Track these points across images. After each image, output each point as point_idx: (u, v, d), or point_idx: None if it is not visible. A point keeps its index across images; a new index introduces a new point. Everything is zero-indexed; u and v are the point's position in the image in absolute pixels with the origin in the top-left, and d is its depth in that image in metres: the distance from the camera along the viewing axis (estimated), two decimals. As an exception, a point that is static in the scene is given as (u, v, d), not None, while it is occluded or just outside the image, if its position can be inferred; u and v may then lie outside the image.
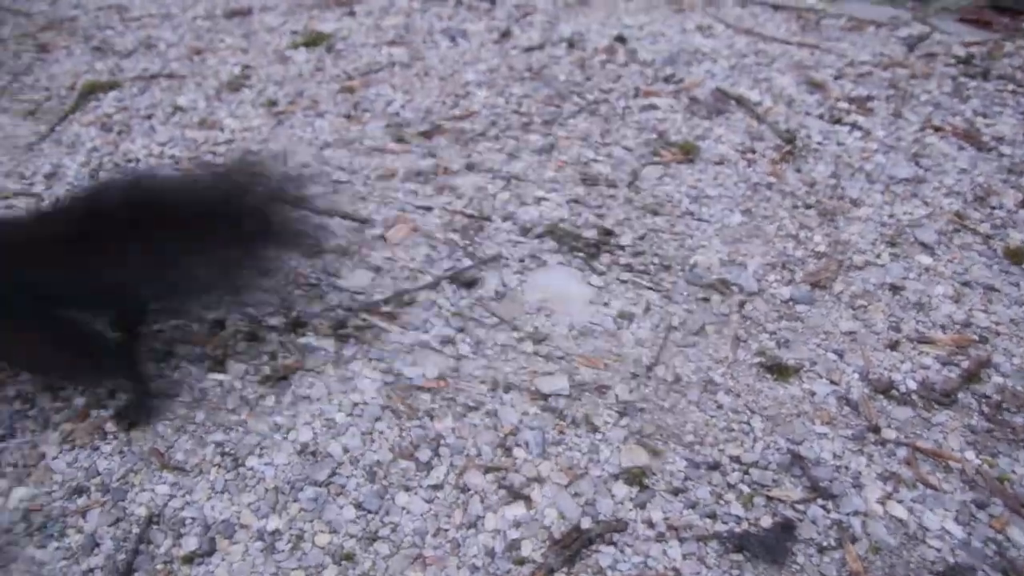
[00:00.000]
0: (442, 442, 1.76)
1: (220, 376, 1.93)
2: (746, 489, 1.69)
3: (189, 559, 1.58)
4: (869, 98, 2.91)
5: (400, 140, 2.71)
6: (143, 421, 1.83)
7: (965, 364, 1.94)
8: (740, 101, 2.87)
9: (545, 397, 1.85)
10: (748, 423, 1.82)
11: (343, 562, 1.56)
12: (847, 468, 1.73)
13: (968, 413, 1.84)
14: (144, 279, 1.80)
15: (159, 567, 1.57)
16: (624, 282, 2.15)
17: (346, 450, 1.74)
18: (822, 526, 1.62)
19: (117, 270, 1.75)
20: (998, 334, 2.02)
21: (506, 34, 3.36)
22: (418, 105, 2.89)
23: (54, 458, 1.77)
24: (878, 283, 2.16)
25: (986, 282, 2.16)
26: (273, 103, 2.96)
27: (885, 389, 1.90)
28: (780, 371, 1.93)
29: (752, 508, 1.65)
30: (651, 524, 1.62)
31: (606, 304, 2.09)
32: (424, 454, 1.73)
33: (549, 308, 2.08)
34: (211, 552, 1.59)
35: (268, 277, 1.96)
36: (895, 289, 2.15)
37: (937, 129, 2.73)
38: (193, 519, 1.64)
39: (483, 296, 2.11)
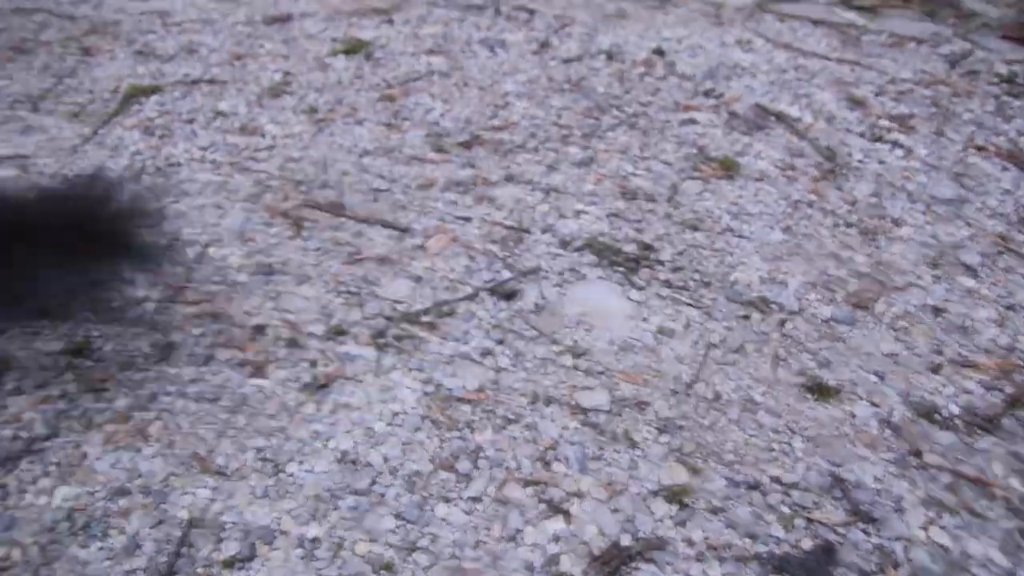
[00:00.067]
0: (481, 454, 1.76)
1: (260, 381, 1.94)
2: (787, 510, 1.68)
3: (229, 563, 1.59)
4: (910, 116, 2.89)
5: (439, 150, 2.72)
6: None
7: (1009, 389, 1.92)
8: (780, 117, 2.86)
9: (585, 411, 1.85)
10: (789, 443, 1.81)
11: (382, 572, 1.56)
12: (889, 492, 1.71)
13: (1013, 439, 1.82)
14: None
15: (200, 571, 1.58)
16: (663, 298, 2.15)
17: (386, 459, 1.75)
18: (864, 550, 1.61)
19: None
20: (1043, 359, 2.00)
21: (545, 45, 3.37)
22: (457, 115, 2.91)
23: (97, 459, 1.79)
24: (920, 305, 2.15)
25: (1031, 306, 2.15)
26: (313, 110, 2.98)
27: (927, 413, 1.88)
28: (821, 392, 1.92)
29: (792, 530, 1.64)
30: (691, 543, 1.62)
31: (645, 319, 2.09)
32: (464, 465, 1.74)
33: (588, 322, 2.08)
34: (251, 557, 1.60)
35: (116, 295, 1.95)
36: (937, 311, 2.13)
37: (980, 149, 2.71)
38: (233, 524, 1.65)
39: (522, 308, 2.12)
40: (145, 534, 1.64)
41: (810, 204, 2.48)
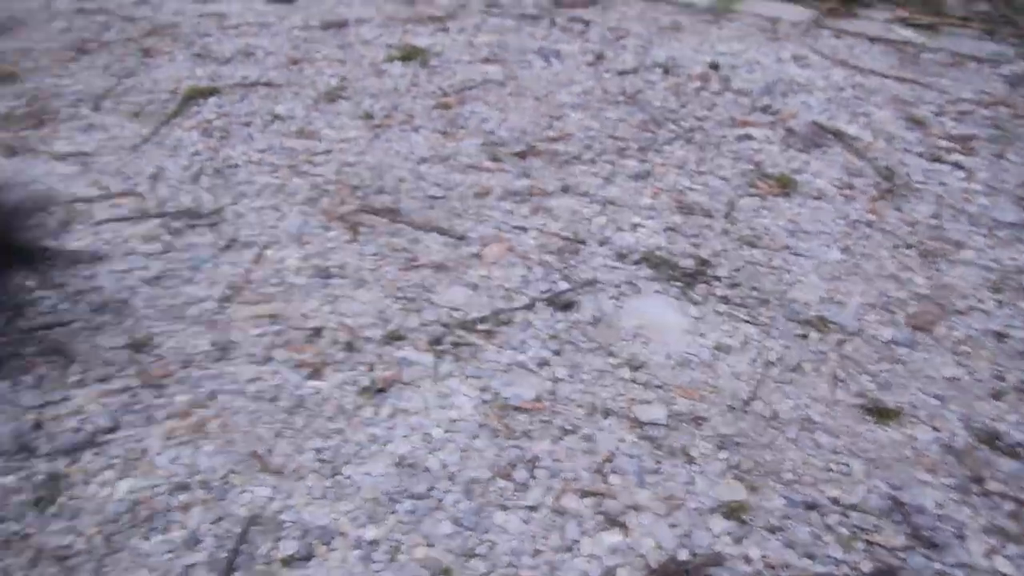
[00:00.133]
0: (538, 463, 1.76)
1: (318, 383, 1.96)
2: (845, 532, 1.66)
3: (288, 562, 1.60)
4: (971, 137, 2.86)
5: (495, 159, 2.73)
6: None
7: (1074, 418, 1.89)
8: (838, 135, 2.84)
9: (642, 425, 1.85)
10: (848, 465, 1.79)
11: (439, 577, 1.57)
12: (950, 518, 1.69)
13: (1078, 469, 1.79)
14: None
15: (259, 568, 1.59)
16: (720, 314, 2.14)
17: (444, 465, 1.76)
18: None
19: None
20: (1108, 389, 1.97)
21: (600, 56, 3.38)
22: (513, 124, 2.92)
23: (157, 453, 1.82)
24: (982, 329, 2.12)
25: (1095, 334, 2.11)
26: (369, 116, 3.01)
27: (989, 439, 1.85)
28: (880, 414, 1.90)
29: (852, 551, 1.63)
30: (748, 560, 1.61)
31: (702, 335, 2.08)
32: (521, 474, 1.74)
33: (645, 336, 2.08)
34: (309, 557, 1.61)
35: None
36: (1000, 337, 2.10)
37: (1042, 173, 2.68)
38: (292, 523, 1.67)
39: (579, 320, 2.12)
40: (205, 529, 1.66)
41: (869, 224, 2.46)
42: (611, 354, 2.03)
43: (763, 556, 1.61)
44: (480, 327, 2.09)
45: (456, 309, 2.15)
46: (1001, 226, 2.45)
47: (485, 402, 1.89)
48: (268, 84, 3.27)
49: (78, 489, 1.76)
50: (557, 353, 2.02)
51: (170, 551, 1.63)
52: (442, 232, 2.40)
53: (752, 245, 2.36)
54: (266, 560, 1.61)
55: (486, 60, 3.38)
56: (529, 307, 2.15)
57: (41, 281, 2.27)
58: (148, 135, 2.97)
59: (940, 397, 1.94)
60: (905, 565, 1.60)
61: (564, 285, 2.22)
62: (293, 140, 2.90)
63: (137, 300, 2.23)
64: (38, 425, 1.90)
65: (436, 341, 2.05)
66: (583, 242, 2.36)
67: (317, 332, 2.10)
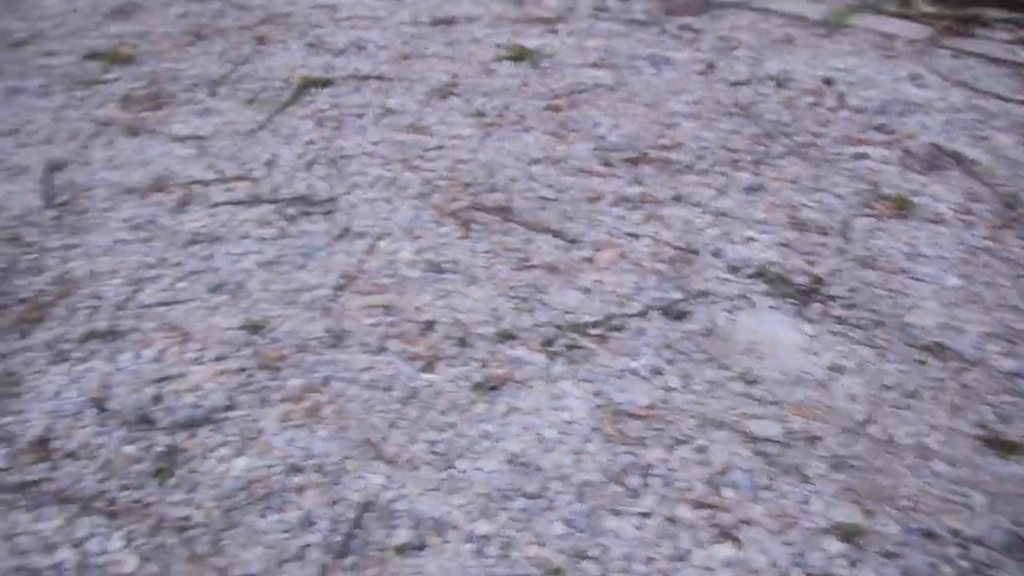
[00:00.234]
0: (652, 471, 1.76)
1: (431, 376, 1.99)
2: (965, 564, 1.62)
3: (401, 551, 1.63)
4: (1099, 169, 2.76)
5: (607, 164, 2.73)
6: None
7: None
8: (957, 158, 2.77)
9: (755, 440, 1.83)
10: (967, 496, 1.75)
11: (551, 576, 1.58)
12: (1077, 560, 1.64)
13: None
14: None
15: (373, 554, 1.62)
16: (835, 334, 2.11)
17: (557, 466, 1.77)
18: (1049, 617, 1.55)
19: None
20: None
21: (711, 66, 3.35)
22: (624, 130, 2.92)
23: (273, 435, 1.86)
24: (1109, 367, 2.05)
25: None
26: (481, 114, 3.04)
27: (1117, 481, 1.79)
28: (1002, 446, 1.85)
29: (972, 586, 1.59)
30: (864, 587, 1.58)
31: (817, 354, 2.05)
32: (634, 481, 1.74)
33: (759, 351, 2.06)
34: (422, 547, 1.63)
35: None
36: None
37: None
38: (405, 512, 1.69)
39: (692, 331, 2.11)
40: (320, 512, 1.70)
41: (988, 251, 2.39)
42: (724, 367, 2.01)
43: (879, 583, 1.59)
44: (593, 331, 2.10)
45: (569, 312, 2.16)
46: None
47: (599, 406, 1.90)
48: (380, 78, 3.32)
49: (196, 463, 1.81)
50: (670, 362, 2.02)
51: (286, 531, 1.67)
52: (555, 234, 2.41)
53: (868, 266, 2.32)
54: (380, 547, 1.64)
55: (596, 64, 3.38)
56: (642, 314, 2.14)
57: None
58: (263, 122, 3.05)
59: (1065, 434, 1.89)
60: (1028, 604, 1.57)
61: (677, 295, 2.21)
62: (405, 134, 2.94)
63: (252, 283, 2.29)
64: (157, 398, 1.96)
65: (548, 342, 2.07)
66: (696, 252, 2.35)
67: (430, 326, 2.13)
